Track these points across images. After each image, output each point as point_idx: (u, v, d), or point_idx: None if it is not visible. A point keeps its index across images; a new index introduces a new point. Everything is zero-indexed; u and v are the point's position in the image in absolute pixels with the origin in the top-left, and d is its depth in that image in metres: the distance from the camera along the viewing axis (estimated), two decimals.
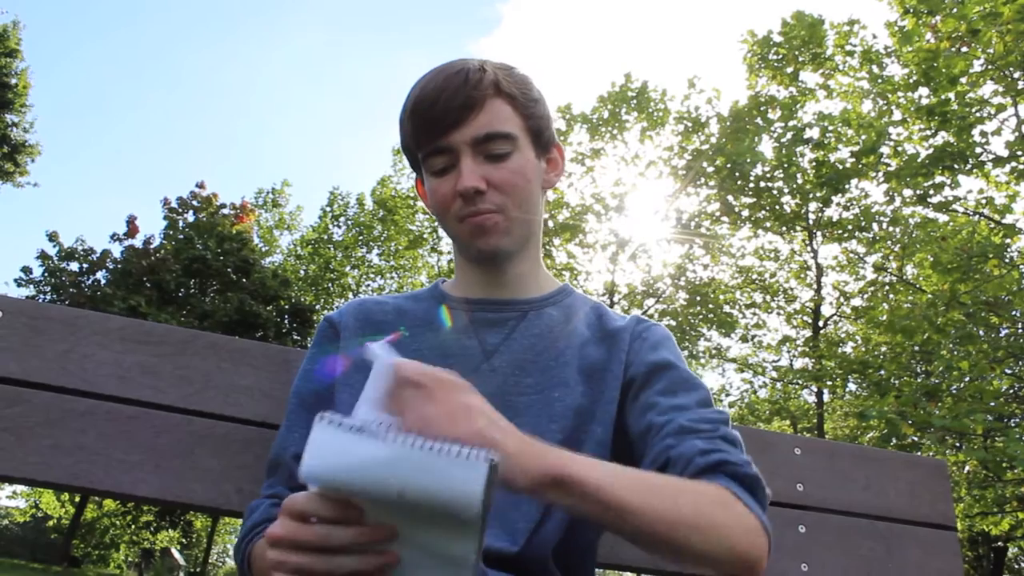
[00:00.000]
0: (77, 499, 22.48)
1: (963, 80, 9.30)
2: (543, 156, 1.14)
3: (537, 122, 1.11)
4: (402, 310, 1.17)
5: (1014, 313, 8.93)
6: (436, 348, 1.09)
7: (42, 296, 17.55)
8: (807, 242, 14.97)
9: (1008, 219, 9.81)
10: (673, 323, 16.20)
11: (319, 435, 0.67)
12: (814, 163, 12.55)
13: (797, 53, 13.08)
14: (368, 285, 22.02)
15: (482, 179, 1.04)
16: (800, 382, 15.04)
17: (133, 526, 30.62)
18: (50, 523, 33.02)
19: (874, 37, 12.68)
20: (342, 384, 1.09)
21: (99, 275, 18.06)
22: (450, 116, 1.03)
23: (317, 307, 20.54)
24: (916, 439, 9.08)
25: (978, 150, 9.26)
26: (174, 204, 19.37)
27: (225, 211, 19.72)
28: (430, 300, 1.18)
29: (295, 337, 19.18)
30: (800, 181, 13.15)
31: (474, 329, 1.11)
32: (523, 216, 1.09)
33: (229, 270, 18.59)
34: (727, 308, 15.97)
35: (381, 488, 0.65)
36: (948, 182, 9.63)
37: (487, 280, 1.14)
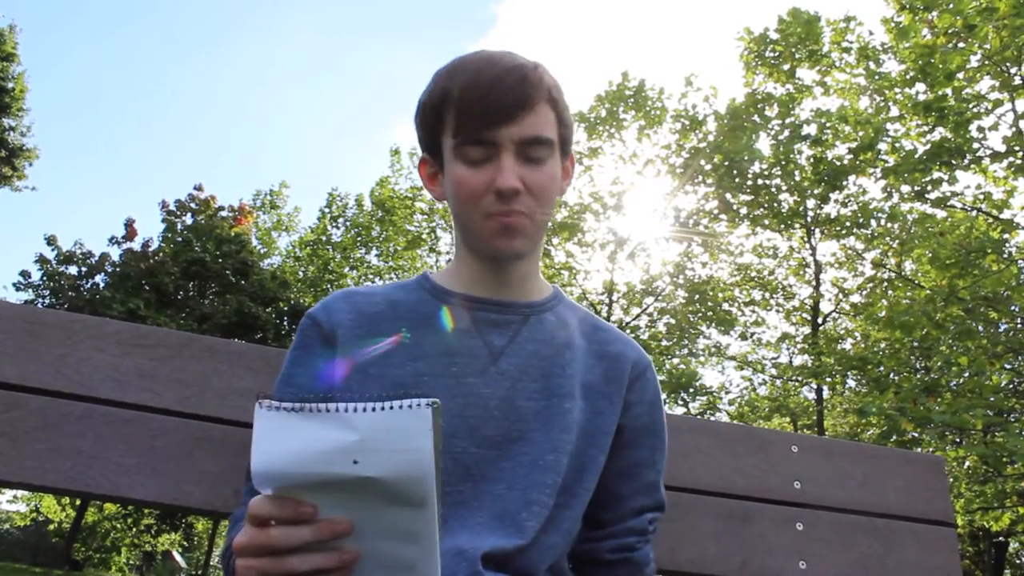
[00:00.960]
0: (78, 503, 22.49)
1: (960, 76, 9.31)
2: (562, 164, 1.12)
3: (567, 130, 1.10)
4: (393, 301, 1.12)
5: (1013, 308, 8.95)
6: (438, 346, 1.06)
7: (41, 300, 17.53)
8: (805, 239, 14.98)
9: (1006, 214, 9.83)
10: (672, 321, 16.21)
11: (262, 427, 0.67)
12: (812, 160, 12.57)
13: (794, 50, 13.09)
14: None
15: (520, 180, 1.02)
16: (800, 379, 15.05)
17: (134, 529, 30.60)
18: (51, 527, 33.00)
19: (871, 34, 12.70)
20: (343, 391, 1.05)
21: (98, 278, 18.04)
22: (503, 111, 1.00)
23: None
24: (916, 435, 9.07)
25: (975, 145, 9.28)
26: (172, 207, 19.35)
27: (223, 213, 19.70)
28: (420, 292, 1.14)
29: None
30: (798, 178, 13.18)
31: (477, 329, 1.09)
32: (544, 222, 1.08)
33: (228, 272, 18.57)
34: (726, 306, 15.99)
35: (337, 465, 0.66)
36: (946, 178, 9.65)
37: (491, 279, 1.11)
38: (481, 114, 1.00)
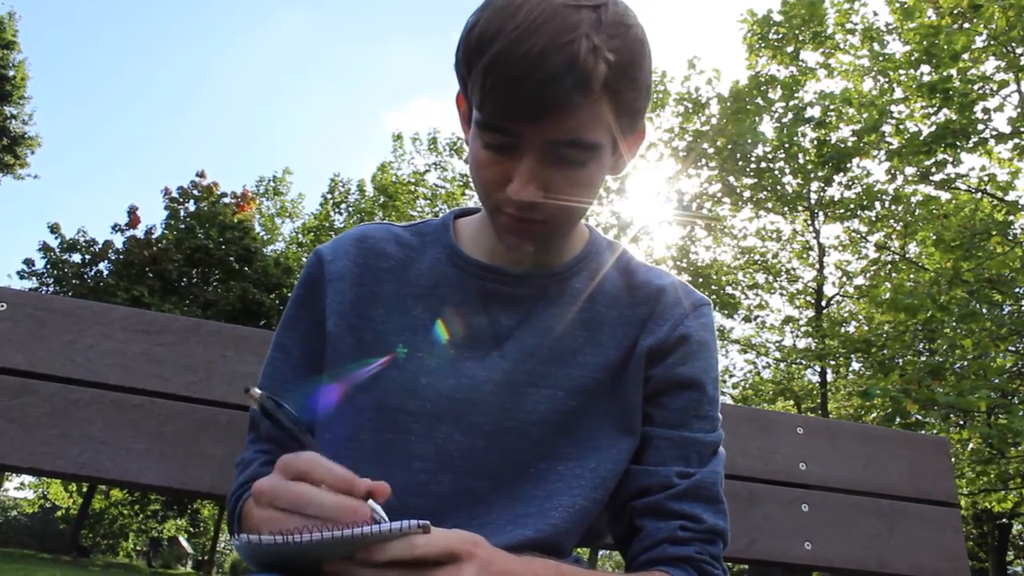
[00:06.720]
0: (85, 489, 22.62)
1: (965, 56, 9.25)
2: (622, 144, 0.90)
3: (631, 119, 0.86)
4: (405, 257, 1.01)
5: (1017, 290, 8.92)
6: (438, 317, 0.96)
7: (45, 288, 17.60)
8: (809, 222, 14.95)
9: (1011, 196, 9.80)
10: None
11: (247, 553, 0.70)
12: (815, 143, 12.51)
13: (797, 32, 12.99)
14: None
15: (541, 188, 0.83)
16: (803, 362, 15.06)
17: (141, 515, 30.83)
18: (58, 513, 33.27)
19: (875, 14, 12.67)
20: (335, 350, 0.97)
21: (101, 266, 18.11)
22: (532, 108, 0.77)
23: None
24: (920, 417, 9.08)
25: (980, 127, 9.22)
26: (175, 194, 19.39)
27: (226, 200, 19.74)
28: (436, 248, 1.01)
29: None
30: (801, 161, 13.12)
31: (485, 305, 0.96)
32: (570, 227, 0.93)
33: (231, 259, 18.61)
34: (730, 289, 15.98)
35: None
36: (950, 160, 9.60)
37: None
38: (504, 105, 0.78)
